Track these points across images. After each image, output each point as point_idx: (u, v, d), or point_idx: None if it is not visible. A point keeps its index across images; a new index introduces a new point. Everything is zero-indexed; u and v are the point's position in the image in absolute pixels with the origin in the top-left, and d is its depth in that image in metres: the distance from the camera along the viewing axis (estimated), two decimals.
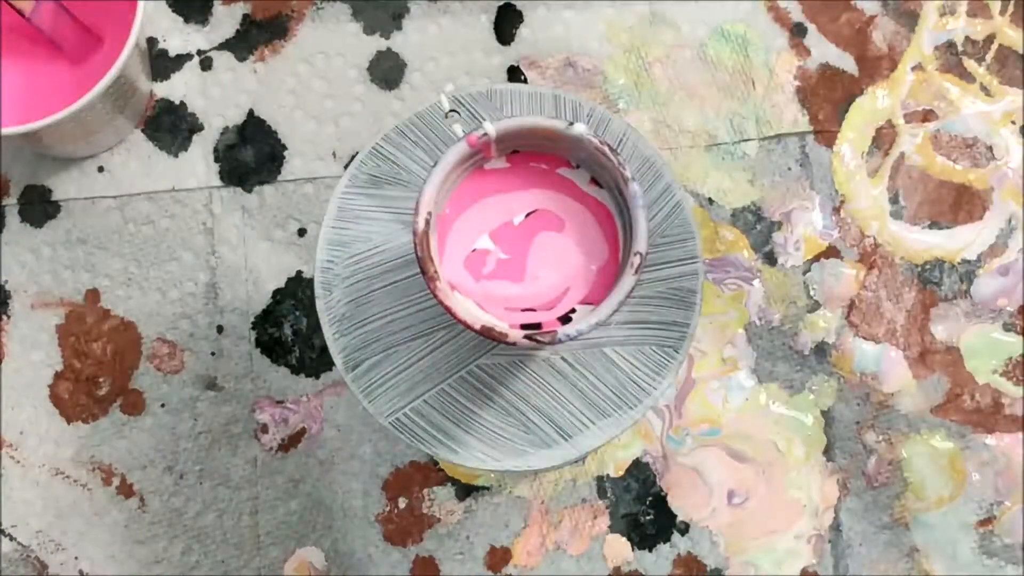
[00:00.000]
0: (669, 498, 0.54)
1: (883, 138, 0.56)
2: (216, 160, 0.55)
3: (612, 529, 0.53)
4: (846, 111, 0.56)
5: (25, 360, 0.53)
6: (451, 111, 0.39)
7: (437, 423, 0.38)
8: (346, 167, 0.55)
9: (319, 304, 0.39)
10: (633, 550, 0.53)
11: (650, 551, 0.53)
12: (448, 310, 0.34)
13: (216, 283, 0.54)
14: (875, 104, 0.56)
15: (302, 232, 0.54)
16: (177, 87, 0.55)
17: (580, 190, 0.36)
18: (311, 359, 0.54)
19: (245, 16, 0.56)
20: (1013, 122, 0.56)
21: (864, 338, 0.55)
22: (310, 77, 0.55)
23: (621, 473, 0.54)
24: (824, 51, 0.56)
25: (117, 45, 0.49)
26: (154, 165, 0.55)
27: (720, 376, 0.54)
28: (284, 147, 0.55)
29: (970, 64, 0.56)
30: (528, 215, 0.36)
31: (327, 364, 0.54)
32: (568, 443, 0.38)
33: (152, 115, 0.55)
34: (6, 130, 0.47)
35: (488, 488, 0.53)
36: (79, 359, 0.53)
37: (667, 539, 0.53)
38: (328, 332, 0.38)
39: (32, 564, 0.53)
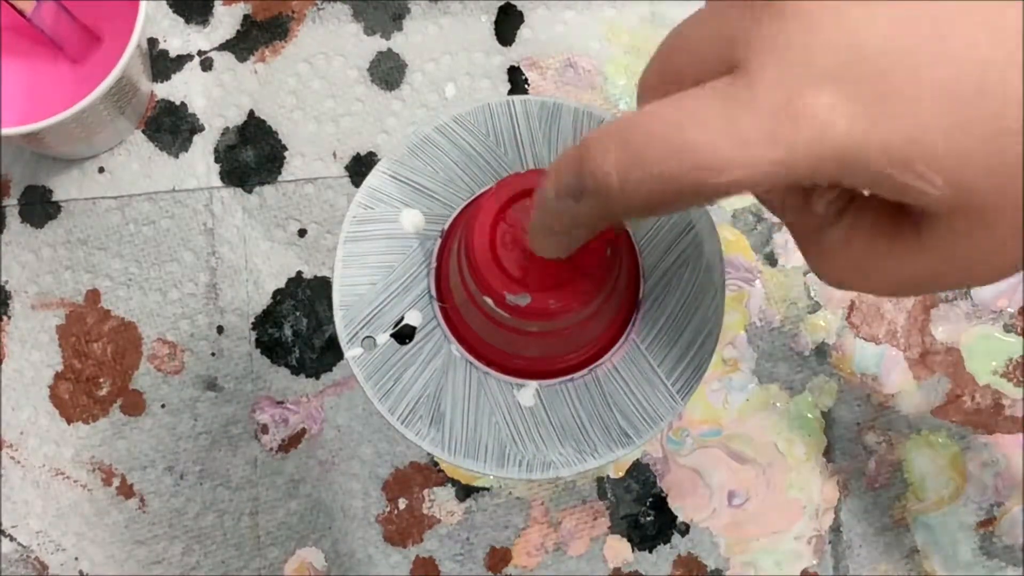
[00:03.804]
0: (669, 499, 0.54)
1: None
2: (216, 161, 0.55)
3: (612, 530, 0.53)
4: None
5: (25, 360, 0.53)
6: (367, 338, 0.40)
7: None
8: (346, 168, 0.55)
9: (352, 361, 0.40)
10: (633, 551, 0.53)
11: (650, 552, 0.53)
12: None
13: (216, 283, 0.54)
14: None
15: (302, 232, 0.54)
16: (178, 88, 0.55)
17: None
18: (311, 359, 0.54)
19: (246, 17, 0.56)
20: None
21: (864, 339, 0.55)
22: (310, 78, 0.55)
23: (621, 474, 0.54)
24: None
25: (118, 45, 0.49)
26: (154, 166, 0.55)
27: (721, 377, 0.54)
28: (284, 147, 0.55)
29: None
30: None
31: (327, 365, 0.54)
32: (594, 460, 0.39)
33: (153, 116, 0.55)
34: (7, 130, 0.47)
35: (488, 489, 0.53)
36: (79, 359, 0.53)
37: (667, 540, 0.53)
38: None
39: (32, 564, 0.53)
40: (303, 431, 0.53)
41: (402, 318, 0.39)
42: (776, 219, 0.55)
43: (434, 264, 0.39)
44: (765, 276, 0.55)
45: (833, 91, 0.27)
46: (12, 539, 0.53)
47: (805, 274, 0.55)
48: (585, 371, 0.39)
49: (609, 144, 0.29)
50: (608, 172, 0.29)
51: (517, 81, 0.56)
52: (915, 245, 0.29)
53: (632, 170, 0.29)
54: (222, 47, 0.55)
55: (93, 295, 0.54)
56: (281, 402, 0.54)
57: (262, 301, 0.54)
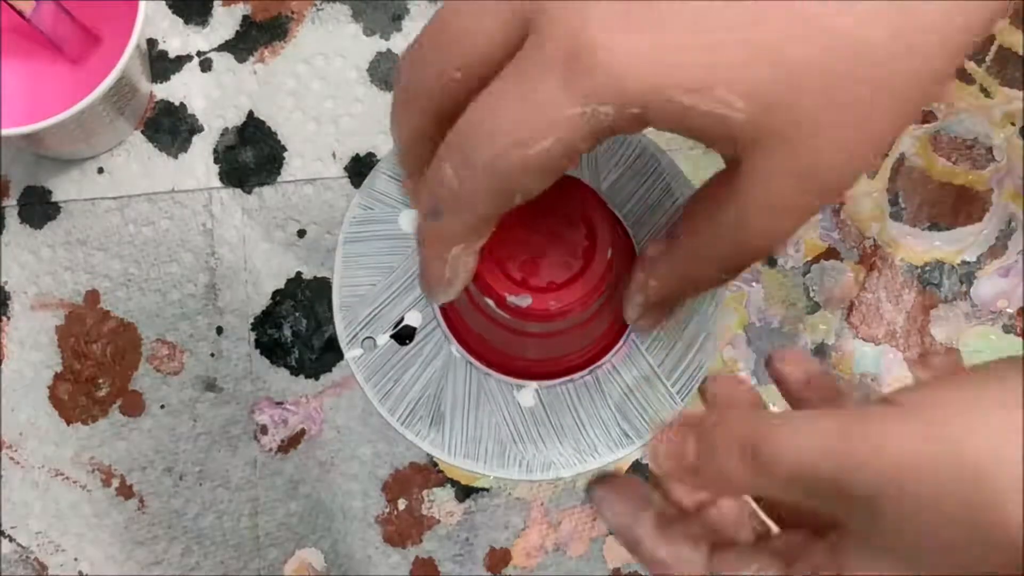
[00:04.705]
0: None
1: None
2: (216, 161, 0.55)
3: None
4: None
5: (25, 361, 0.53)
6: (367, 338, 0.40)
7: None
8: (346, 168, 0.55)
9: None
10: None
11: None
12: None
13: (216, 284, 0.54)
14: None
15: (302, 233, 0.54)
16: (177, 88, 0.55)
17: None
18: (311, 360, 0.54)
19: (245, 17, 0.56)
20: (1013, 123, 0.56)
21: (864, 339, 0.55)
22: (310, 78, 0.55)
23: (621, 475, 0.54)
24: None
25: (117, 46, 0.49)
26: (154, 166, 0.55)
27: None
28: (284, 148, 0.55)
29: (970, 65, 0.56)
30: None
31: (327, 365, 0.54)
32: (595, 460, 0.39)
33: (152, 116, 0.55)
34: (6, 131, 0.47)
35: (488, 489, 0.53)
36: (79, 360, 0.53)
37: None
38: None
39: (32, 565, 0.53)
40: (302, 432, 0.53)
41: (402, 319, 0.39)
42: None
43: None
44: (764, 276, 0.55)
45: (618, 25, 0.27)
46: (12, 540, 0.53)
47: (804, 274, 0.55)
48: (585, 372, 0.39)
49: (445, 152, 0.29)
50: (448, 176, 0.29)
51: None
52: (734, 192, 0.29)
53: (463, 168, 0.29)
54: (221, 48, 0.55)
55: (92, 296, 0.54)
56: (280, 403, 0.54)
57: (261, 302, 0.54)
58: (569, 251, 0.35)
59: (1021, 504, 0.25)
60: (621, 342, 0.39)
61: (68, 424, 0.53)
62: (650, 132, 0.55)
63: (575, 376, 0.39)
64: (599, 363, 0.39)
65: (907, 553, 0.28)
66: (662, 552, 0.33)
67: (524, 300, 0.34)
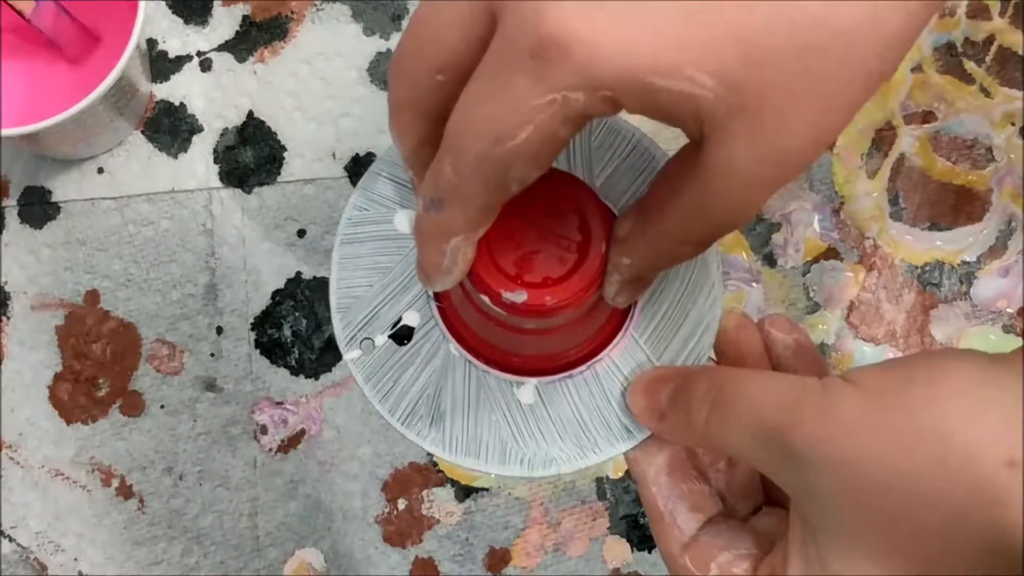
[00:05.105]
0: None
1: (883, 139, 0.56)
2: (216, 161, 0.55)
3: (611, 530, 0.53)
4: None
5: (25, 361, 0.53)
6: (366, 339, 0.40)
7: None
8: (346, 168, 0.55)
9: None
10: (632, 551, 0.53)
11: (649, 552, 0.53)
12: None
13: (216, 284, 0.54)
14: (874, 105, 0.56)
15: (302, 233, 0.54)
16: (177, 88, 0.55)
17: None
18: (310, 360, 0.54)
19: (245, 17, 0.56)
20: (1013, 123, 0.56)
21: (864, 340, 0.55)
22: (310, 78, 0.55)
23: (620, 475, 0.54)
24: None
25: (117, 46, 0.49)
26: (154, 166, 0.55)
27: None
28: (284, 148, 0.55)
29: (970, 65, 0.56)
30: None
31: (326, 365, 0.54)
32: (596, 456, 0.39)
33: (152, 116, 0.55)
34: (6, 131, 0.47)
35: (487, 489, 0.53)
36: (79, 360, 0.53)
37: None
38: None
39: (31, 565, 0.53)
40: (302, 432, 0.53)
41: (400, 319, 0.39)
42: (776, 220, 0.55)
43: None
44: (764, 276, 0.55)
45: (580, 11, 0.27)
46: (11, 540, 0.53)
47: (804, 275, 0.55)
48: (584, 367, 0.39)
49: (443, 152, 0.31)
50: (447, 172, 0.30)
51: None
52: (701, 169, 0.30)
53: (459, 165, 0.30)
54: (221, 48, 0.55)
55: (92, 296, 0.54)
56: (280, 403, 0.54)
57: (261, 302, 0.54)
58: (564, 246, 0.35)
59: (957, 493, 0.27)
60: (619, 336, 0.39)
61: (68, 424, 0.53)
62: (645, 127, 0.55)
63: (574, 371, 0.39)
64: (598, 357, 0.39)
65: (846, 532, 0.29)
66: (660, 503, 0.36)
67: (519, 296, 0.34)
